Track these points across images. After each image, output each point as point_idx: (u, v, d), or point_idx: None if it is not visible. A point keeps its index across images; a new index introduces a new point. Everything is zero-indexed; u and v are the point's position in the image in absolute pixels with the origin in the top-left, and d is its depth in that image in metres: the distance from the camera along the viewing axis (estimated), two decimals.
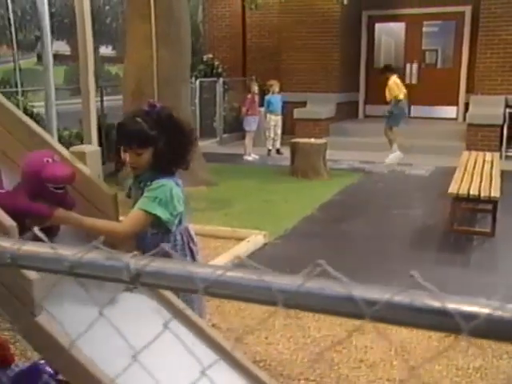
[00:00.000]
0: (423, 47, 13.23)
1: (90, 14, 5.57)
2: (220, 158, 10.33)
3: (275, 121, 11.04)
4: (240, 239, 5.51)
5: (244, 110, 10.98)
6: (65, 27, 10.53)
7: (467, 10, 12.44)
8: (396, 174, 9.35)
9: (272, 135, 11.09)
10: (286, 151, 10.45)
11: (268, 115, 11.10)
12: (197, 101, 11.80)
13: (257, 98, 11.14)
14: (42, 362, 2.83)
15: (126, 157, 2.39)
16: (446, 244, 5.73)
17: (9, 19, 8.63)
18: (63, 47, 10.87)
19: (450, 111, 12.90)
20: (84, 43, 5.52)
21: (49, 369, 2.79)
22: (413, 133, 11.81)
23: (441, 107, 12.94)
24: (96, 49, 8.67)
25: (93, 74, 5.74)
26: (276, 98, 11.04)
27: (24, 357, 3.14)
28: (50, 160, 2.29)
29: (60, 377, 2.96)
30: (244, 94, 11.92)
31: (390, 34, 13.67)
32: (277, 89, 11.08)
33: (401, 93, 10.06)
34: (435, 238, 5.88)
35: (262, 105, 11.32)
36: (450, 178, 8.62)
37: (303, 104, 12.50)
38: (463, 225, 6.24)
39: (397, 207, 7.07)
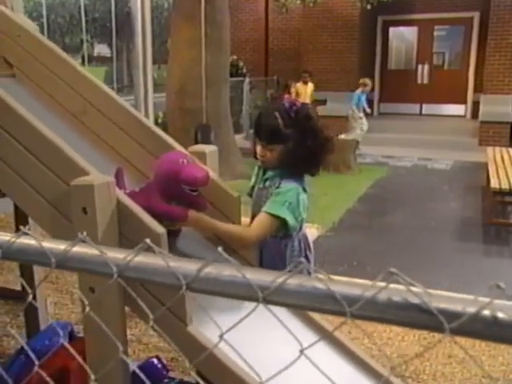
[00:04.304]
0: (434, 50, 12.87)
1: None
2: (249, 152, 9.94)
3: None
4: None
5: None
6: (106, 32, 10.17)
7: (476, 15, 12.10)
8: (419, 168, 9.03)
9: None
10: None
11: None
12: None
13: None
14: (154, 359, 2.59)
15: (258, 148, 2.13)
16: (488, 236, 5.43)
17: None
18: (104, 50, 10.51)
19: (458, 109, 12.56)
20: (144, 46, 5.20)
21: (161, 366, 2.54)
22: (426, 129, 11.52)
23: (450, 105, 12.60)
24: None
25: (151, 73, 5.42)
26: (361, 96, 10.11)
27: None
28: (185, 161, 1.98)
29: (171, 374, 2.71)
30: (265, 93, 11.70)
31: (402, 37, 13.30)
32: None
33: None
34: (476, 230, 5.57)
35: None
36: (471, 172, 8.36)
37: (323, 102, 12.16)
38: (497, 217, 5.95)
39: (430, 200, 6.76)
